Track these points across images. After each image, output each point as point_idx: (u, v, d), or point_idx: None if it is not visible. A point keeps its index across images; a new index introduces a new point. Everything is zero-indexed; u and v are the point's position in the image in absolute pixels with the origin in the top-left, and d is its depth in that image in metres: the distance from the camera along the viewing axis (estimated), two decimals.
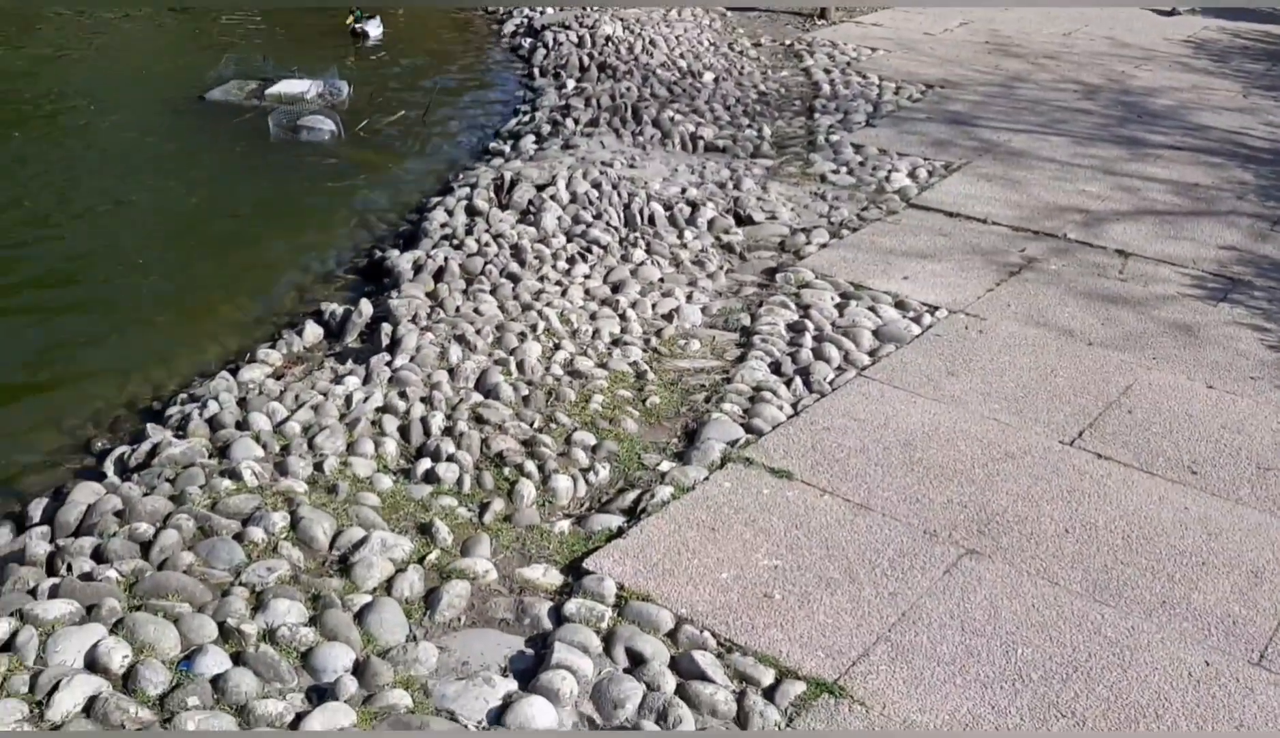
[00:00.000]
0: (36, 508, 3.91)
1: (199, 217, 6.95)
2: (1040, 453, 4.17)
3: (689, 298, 5.44)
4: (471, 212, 6.47)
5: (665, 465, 4.09)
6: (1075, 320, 5.20)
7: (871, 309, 5.25)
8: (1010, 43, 10.40)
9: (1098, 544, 3.68)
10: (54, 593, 3.25)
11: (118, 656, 3.01)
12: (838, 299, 5.37)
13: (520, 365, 4.73)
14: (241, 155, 7.97)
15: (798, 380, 4.64)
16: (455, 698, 3.02)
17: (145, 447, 4.16)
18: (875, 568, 3.54)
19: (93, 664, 3.00)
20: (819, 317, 5.17)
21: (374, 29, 10.90)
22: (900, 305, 5.31)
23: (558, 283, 5.54)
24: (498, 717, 2.96)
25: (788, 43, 10.37)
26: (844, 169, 7.13)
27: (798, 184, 6.96)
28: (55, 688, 2.87)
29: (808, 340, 4.95)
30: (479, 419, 4.33)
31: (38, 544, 3.54)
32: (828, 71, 9.32)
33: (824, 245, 6.02)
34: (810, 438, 4.23)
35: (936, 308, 5.27)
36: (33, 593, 3.26)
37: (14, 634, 3.06)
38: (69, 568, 3.38)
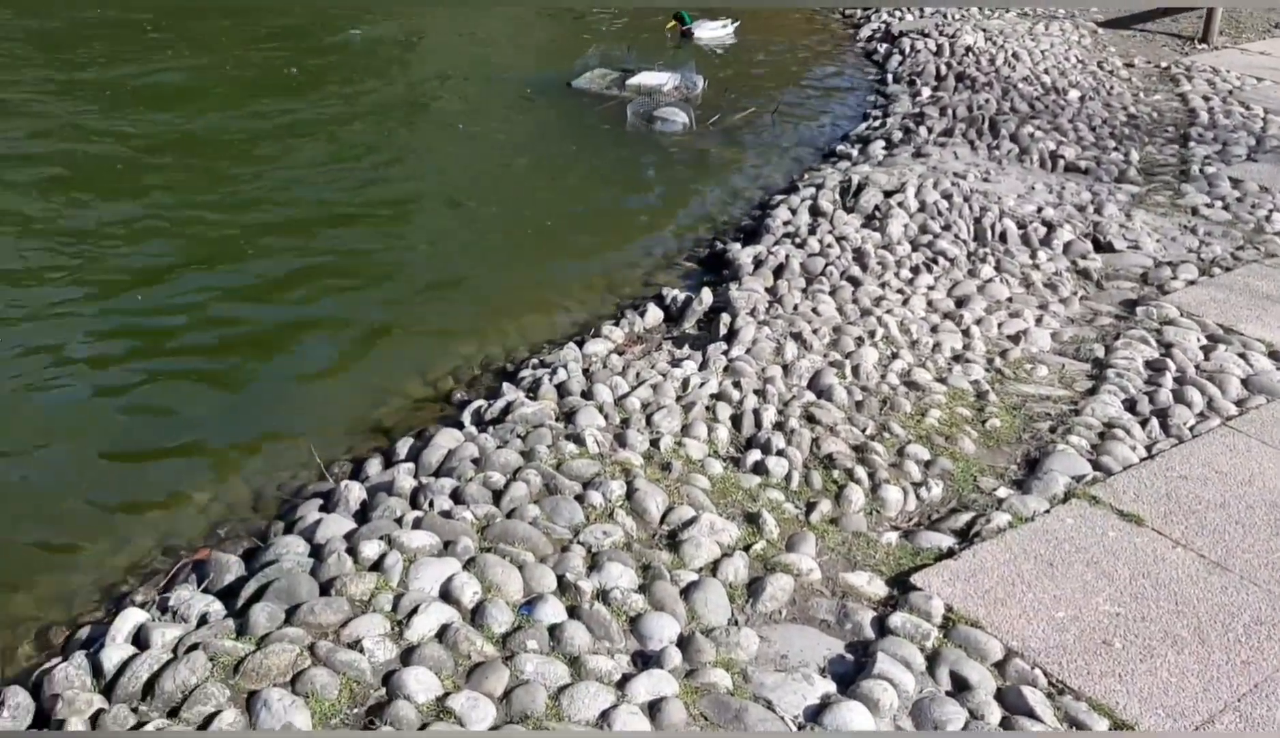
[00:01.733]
0: (403, 446, 4.28)
1: (560, 194, 7.36)
2: None
3: (1038, 321, 5.22)
4: (815, 212, 6.49)
5: (1003, 492, 3.96)
6: None
7: (1242, 356, 4.85)
8: None
9: None
10: (416, 525, 3.53)
11: (469, 591, 3.23)
12: (1204, 341, 5.01)
13: (855, 370, 4.70)
14: (601, 140, 8.37)
15: (1154, 422, 4.35)
16: (774, 689, 3.05)
17: (500, 404, 4.46)
18: (1228, 632, 3.28)
19: (447, 595, 3.23)
20: (1182, 357, 4.83)
21: (706, 31, 11.07)
22: (1274, 355, 4.88)
23: (899, 291, 5.46)
24: (815, 715, 2.96)
25: (1163, 66, 9.73)
26: (1219, 203, 6.62)
27: (1165, 215, 6.52)
28: (414, 612, 3.13)
29: (1168, 381, 4.64)
30: (810, 418, 4.34)
31: (405, 479, 3.86)
32: (1206, 99, 8.68)
33: (1191, 282, 5.62)
34: (1165, 485, 3.96)
35: None
36: (398, 522, 3.57)
37: (382, 557, 3.35)
38: (430, 504, 3.67)
